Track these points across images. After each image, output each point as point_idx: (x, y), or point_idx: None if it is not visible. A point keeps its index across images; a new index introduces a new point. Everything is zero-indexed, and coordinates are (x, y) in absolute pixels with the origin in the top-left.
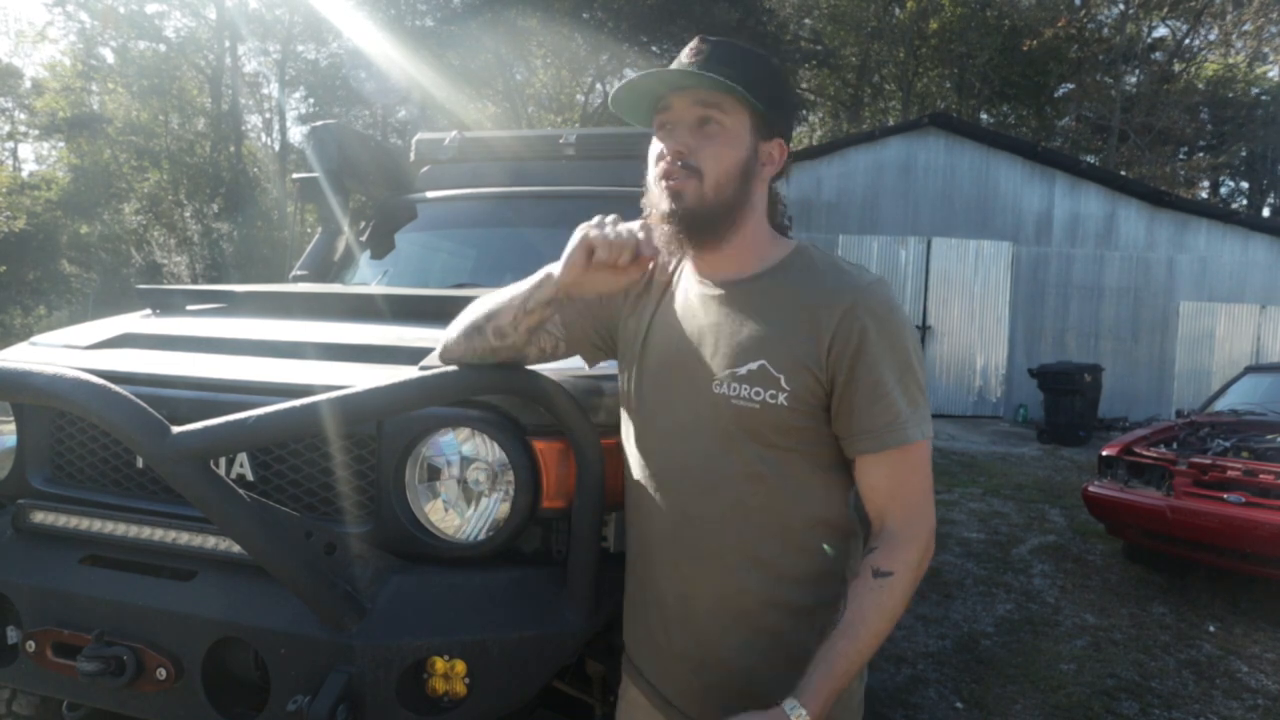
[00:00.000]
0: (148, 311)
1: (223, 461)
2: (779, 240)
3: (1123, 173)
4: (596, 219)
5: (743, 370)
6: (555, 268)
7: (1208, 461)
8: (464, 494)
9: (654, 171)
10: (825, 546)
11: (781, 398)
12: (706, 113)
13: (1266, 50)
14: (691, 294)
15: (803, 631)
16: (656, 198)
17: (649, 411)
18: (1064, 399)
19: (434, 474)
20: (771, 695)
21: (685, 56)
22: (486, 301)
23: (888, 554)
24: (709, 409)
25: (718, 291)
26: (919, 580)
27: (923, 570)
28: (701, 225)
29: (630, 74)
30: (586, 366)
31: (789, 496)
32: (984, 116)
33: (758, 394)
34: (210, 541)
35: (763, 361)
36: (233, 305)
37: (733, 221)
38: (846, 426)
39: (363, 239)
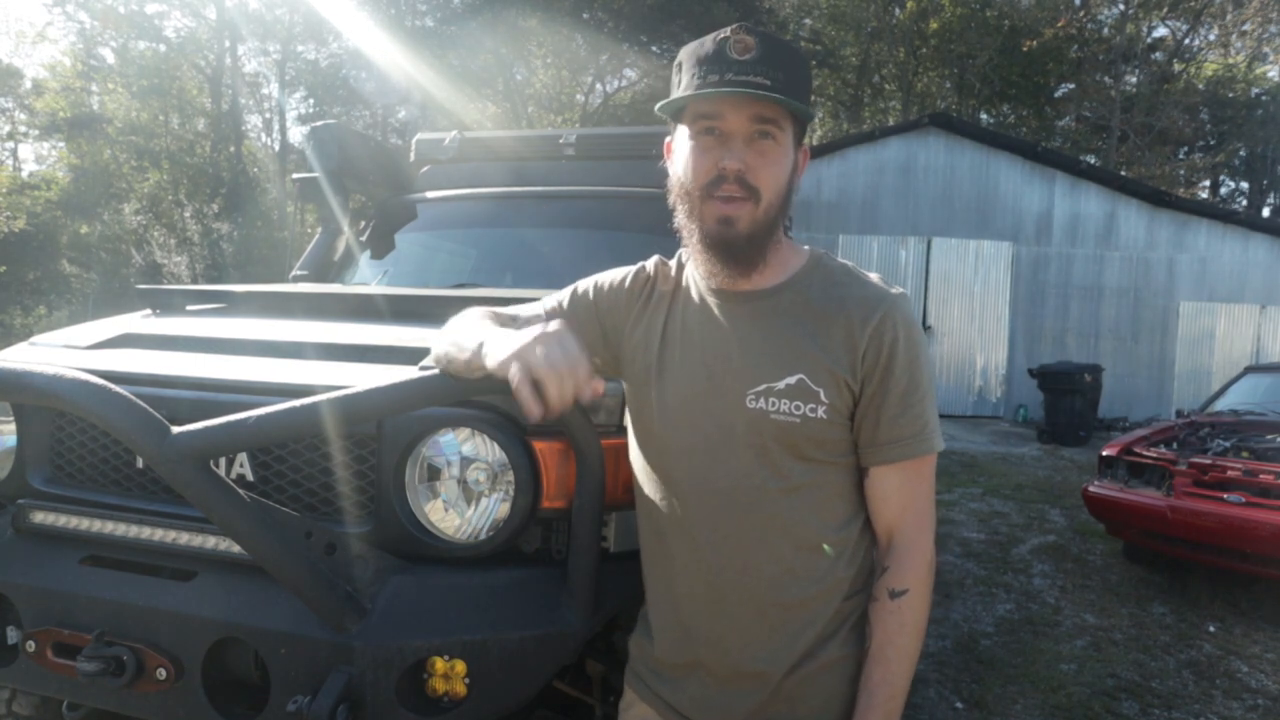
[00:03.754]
0: (148, 311)
1: (223, 462)
2: (794, 248)
3: (1123, 173)
4: (535, 337)
5: (781, 385)
6: (491, 348)
7: (1208, 461)
8: (464, 494)
9: (695, 181)
10: (825, 547)
11: (820, 411)
12: (765, 128)
13: (1266, 50)
14: (710, 303)
15: (840, 640)
16: (699, 217)
17: (670, 426)
18: (1064, 399)
19: (434, 474)
20: (804, 704)
21: (734, 52)
22: (446, 337)
23: (898, 572)
24: (743, 424)
25: (741, 302)
26: (932, 587)
27: (933, 576)
28: (749, 250)
29: (630, 74)
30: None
31: (824, 508)
32: (984, 116)
33: (798, 408)
34: (210, 542)
35: (801, 375)
36: (233, 305)
37: (774, 240)
38: (872, 436)
39: (363, 239)
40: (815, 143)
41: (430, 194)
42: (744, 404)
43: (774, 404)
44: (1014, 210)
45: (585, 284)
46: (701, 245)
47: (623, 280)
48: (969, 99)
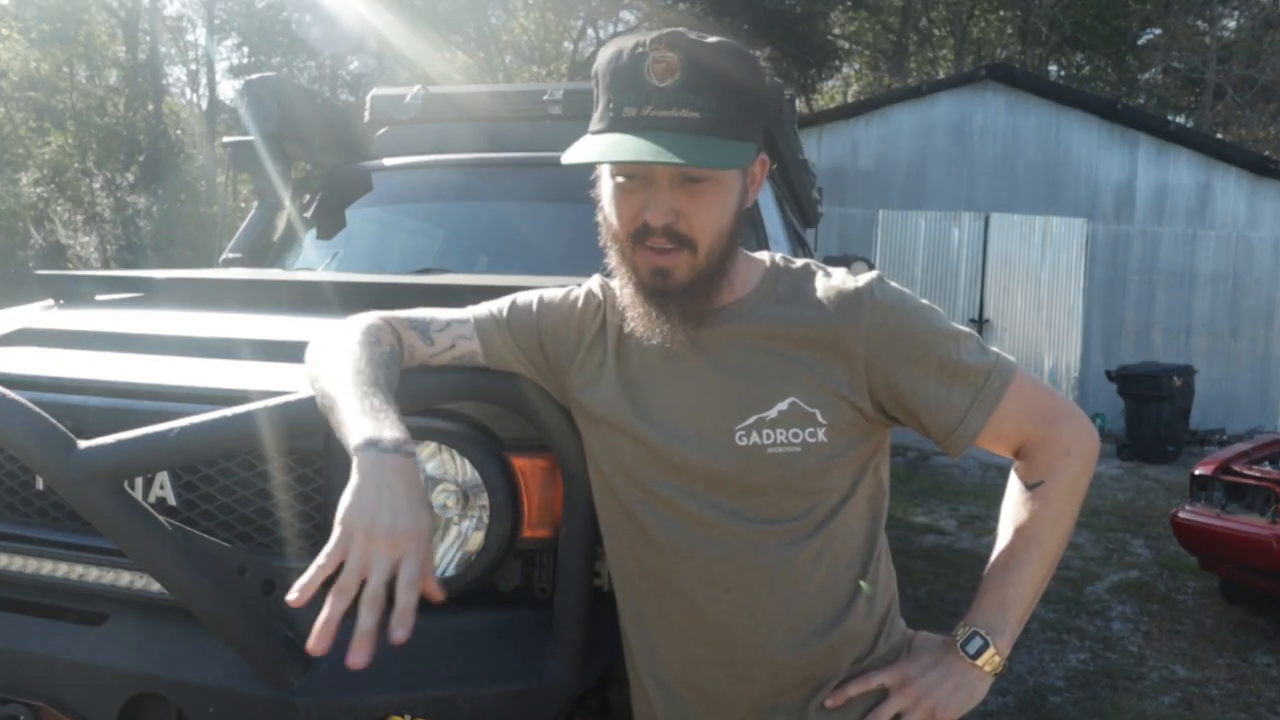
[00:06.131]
0: (50, 302)
1: (139, 482)
2: (748, 257)
3: (1219, 135)
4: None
5: (773, 413)
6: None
7: None
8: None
9: (622, 229)
10: (862, 584)
11: (821, 434)
12: (693, 172)
13: None
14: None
15: (871, 656)
16: (631, 265)
17: (647, 473)
18: (1149, 407)
19: None
20: None
21: (653, 76)
22: (316, 361)
23: (1030, 466)
24: (736, 465)
25: (705, 325)
26: (1085, 473)
27: (1085, 460)
28: (690, 301)
29: (628, 18)
30: None
31: (836, 543)
32: (1052, 68)
33: (795, 436)
34: (125, 578)
35: (793, 399)
36: (151, 295)
37: (725, 277)
38: (945, 424)
39: (307, 215)
40: (850, 99)
41: (388, 161)
42: (734, 442)
43: (769, 436)
44: (1088, 181)
45: (527, 297)
46: (638, 297)
47: (573, 301)
48: (1034, 47)
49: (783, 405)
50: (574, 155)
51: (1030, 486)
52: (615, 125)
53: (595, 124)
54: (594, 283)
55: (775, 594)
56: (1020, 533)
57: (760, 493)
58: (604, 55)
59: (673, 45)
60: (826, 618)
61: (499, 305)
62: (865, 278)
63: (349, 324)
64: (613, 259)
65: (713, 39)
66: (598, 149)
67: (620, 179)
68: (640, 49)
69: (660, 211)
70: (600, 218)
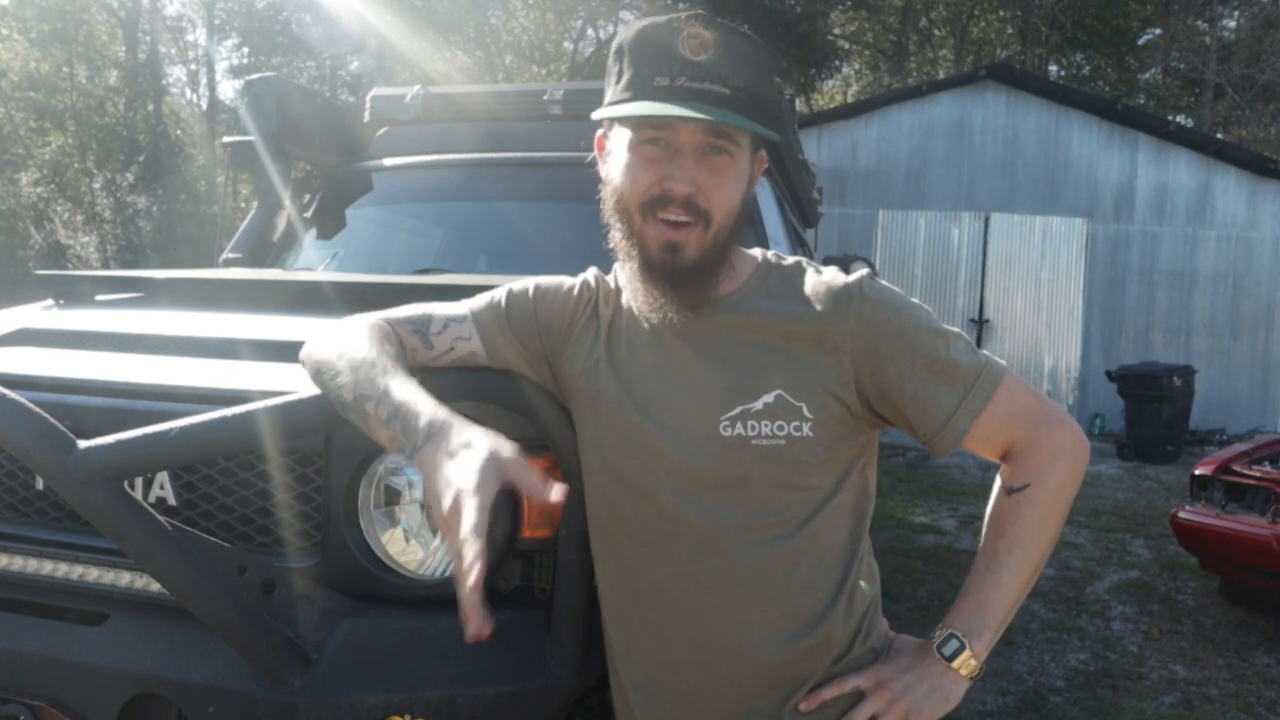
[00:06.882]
0: (49, 302)
1: (139, 482)
2: (741, 253)
3: (1219, 135)
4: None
5: (758, 404)
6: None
7: None
8: (428, 521)
9: (635, 197)
10: (862, 584)
11: (806, 428)
12: (719, 143)
13: None
14: (656, 322)
15: (848, 656)
16: (639, 240)
17: (630, 466)
18: (1149, 407)
19: (393, 497)
20: None
21: (687, 50)
22: (334, 365)
23: (1016, 469)
24: (718, 455)
25: (691, 319)
26: (1073, 479)
27: (1073, 467)
28: (697, 280)
29: (628, 18)
30: None
31: (819, 542)
32: (1053, 68)
33: (780, 428)
34: (125, 579)
35: (779, 391)
36: (151, 295)
37: (725, 263)
38: (932, 422)
39: (307, 215)
40: (850, 99)
41: (388, 161)
42: (718, 433)
43: (754, 427)
44: (1088, 180)
45: (523, 285)
46: (642, 274)
47: (569, 290)
48: (1035, 47)
49: (768, 397)
50: (607, 112)
51: (1016, 489)
52: (644, 94)
53: (620, 93)
54: (590, 274)
55: (756, 593)
56: (1003, 536)
57: (743, 487)
58: (631, 31)
59: (707, 25)
60: (807, 618)
61: (496, 298)
62: (856, 273)
63: (354, 324)
64: (616, 235)
65: (742, 28)
66: (634, 109)
67: (644, 146)
68: (675, 25)
69: (684, 181)
70: (607, 191)
